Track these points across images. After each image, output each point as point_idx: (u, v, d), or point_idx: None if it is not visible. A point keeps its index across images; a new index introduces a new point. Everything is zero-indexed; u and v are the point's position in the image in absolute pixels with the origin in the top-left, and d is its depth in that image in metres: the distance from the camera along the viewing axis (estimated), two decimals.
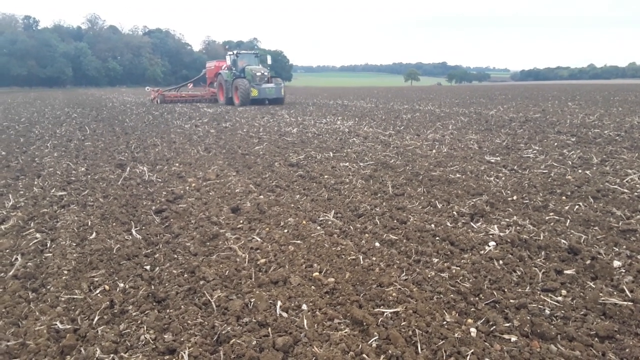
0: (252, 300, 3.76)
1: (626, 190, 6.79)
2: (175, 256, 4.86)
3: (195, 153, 11.06)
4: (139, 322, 3.53)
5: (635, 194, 6.63)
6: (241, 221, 5.92)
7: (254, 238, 5.28)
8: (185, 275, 4.36)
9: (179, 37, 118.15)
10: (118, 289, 4.11)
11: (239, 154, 10.81)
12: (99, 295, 4.00)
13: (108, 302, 3.79)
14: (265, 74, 29.76)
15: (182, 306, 3.75)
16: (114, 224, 5.93)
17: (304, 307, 3.70)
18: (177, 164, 9.68)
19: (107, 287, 4.14)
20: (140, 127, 17.04)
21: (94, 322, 3.55)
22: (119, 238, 5.37)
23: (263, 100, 29.71)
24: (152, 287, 4.16)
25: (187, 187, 7.67)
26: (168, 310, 3.73)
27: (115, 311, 3.72)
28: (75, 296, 3.97)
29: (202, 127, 16.69)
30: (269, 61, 32.50)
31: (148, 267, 4.59)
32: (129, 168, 9.22)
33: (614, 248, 4.78)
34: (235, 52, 31.61)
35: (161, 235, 5.50)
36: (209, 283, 4.11)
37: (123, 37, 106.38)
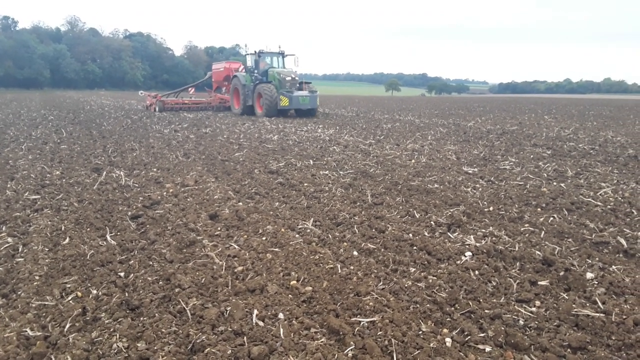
0: (228, 308, 3.72)
1: (599, 203, 6.94)
2: (151, 263, 4.79)
3: (174, 158, 10.95)
4: (111, 330, 3.46)
5: (609, 206, 6.78)
6: (219, 228, 5.87)
7: (231, 245, 5.24)
8: (161, 283, 4.30)
9: (160, 41, 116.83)
10: (91, 296, 4.03)
11: (219, 160, 10.74)
12: (71, 302, 3.91)
13: (80, 309, 3.71)
14: (297, 78, 24.64)
15: (157, 314, 3.69)
16: (89, 229, 5.82)
17: (281, 315, 3.67)
18: (154, 169, 9.57)
19: (79, 294, 4.05)
20: (118, 131, 16.81)
21: (66, 330, 3.47)
22: (93, 244, 5.27)
23: (292, 111, 25.12)
24: (126, 295, 4.09)
25: (165, 193, 7.58)
26: (142, 318, 3.67)
27: (88, 318, 3.64)
28: (46, 302, 3.88)
29: (182, 132, 16.55)
30: (297, 63, 25.99)
31: (122, 274, 4.52)
32: (105, 172, 9.08)
33: (587, 260, 4.87)
34: (257, 50, 25.50)
35: (137, 241, 5.42)
36: (184, 291, 4.06)
37: (103, 40, 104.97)
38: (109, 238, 5.49)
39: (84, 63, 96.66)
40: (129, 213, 6.46)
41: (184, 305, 3.79)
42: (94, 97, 52.77)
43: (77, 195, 7.36)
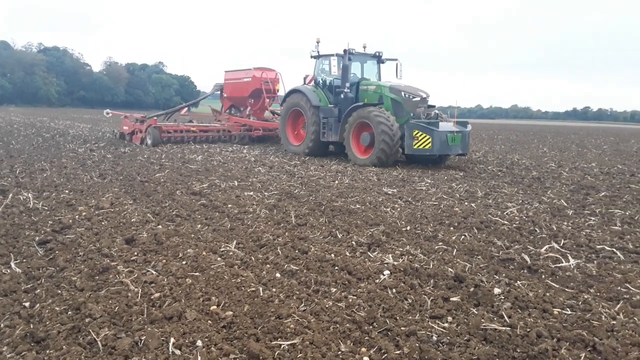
0: (143, 338, 3.58)
1: (506, 222, 7.43)
2: (59, 292, 4.50)
3: (89, 179, 10.42)
4: None
5: (514, 225, 7.27)
6: (136, 253, 5.64)
7: (148, 271, 5.05)
8: (70, 313, 4.05)
9: (77, 56, 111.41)
10: None
11: (138, 181, 10.36)
12: None
13: None
14: (427, 99, 14.71)
15: (64, 346, 3.48)
16: None
17: (199, 343, 3.59)
18: (66, 191, 9.05)
19: None
20: (28, 149, 15.77)
21: None
22: None
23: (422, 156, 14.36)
24: (31, 326, 3.82)
25: (77, 216, 7.18)
26: (48, 351, 3.44)
27: None
28: None
29: (98, 151, 15.80)
30: (400, 74, 16.27)
31: (27, 304, 4.21)
32: (11, 195, 8.46)
33: (495, 276, 5.18)
34: (346, 49, 14.81)
35: (44, 268, 5.08)
36: (95, 320, 3.85)
37: (15, 53, 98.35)
38: (13, 265, 5.11)
39: None
40: (37, 238, 6.06)
41: (95, 336, 3.60)
42: (2, 113, 49.12)
43: None
